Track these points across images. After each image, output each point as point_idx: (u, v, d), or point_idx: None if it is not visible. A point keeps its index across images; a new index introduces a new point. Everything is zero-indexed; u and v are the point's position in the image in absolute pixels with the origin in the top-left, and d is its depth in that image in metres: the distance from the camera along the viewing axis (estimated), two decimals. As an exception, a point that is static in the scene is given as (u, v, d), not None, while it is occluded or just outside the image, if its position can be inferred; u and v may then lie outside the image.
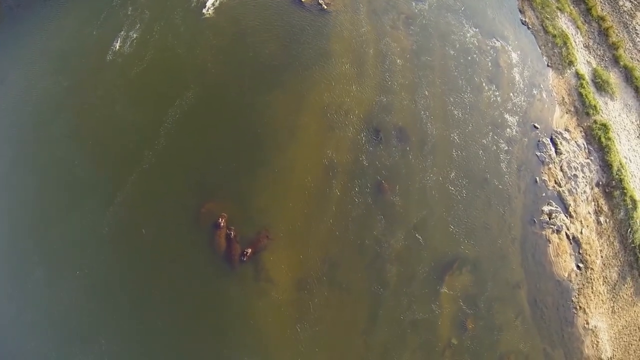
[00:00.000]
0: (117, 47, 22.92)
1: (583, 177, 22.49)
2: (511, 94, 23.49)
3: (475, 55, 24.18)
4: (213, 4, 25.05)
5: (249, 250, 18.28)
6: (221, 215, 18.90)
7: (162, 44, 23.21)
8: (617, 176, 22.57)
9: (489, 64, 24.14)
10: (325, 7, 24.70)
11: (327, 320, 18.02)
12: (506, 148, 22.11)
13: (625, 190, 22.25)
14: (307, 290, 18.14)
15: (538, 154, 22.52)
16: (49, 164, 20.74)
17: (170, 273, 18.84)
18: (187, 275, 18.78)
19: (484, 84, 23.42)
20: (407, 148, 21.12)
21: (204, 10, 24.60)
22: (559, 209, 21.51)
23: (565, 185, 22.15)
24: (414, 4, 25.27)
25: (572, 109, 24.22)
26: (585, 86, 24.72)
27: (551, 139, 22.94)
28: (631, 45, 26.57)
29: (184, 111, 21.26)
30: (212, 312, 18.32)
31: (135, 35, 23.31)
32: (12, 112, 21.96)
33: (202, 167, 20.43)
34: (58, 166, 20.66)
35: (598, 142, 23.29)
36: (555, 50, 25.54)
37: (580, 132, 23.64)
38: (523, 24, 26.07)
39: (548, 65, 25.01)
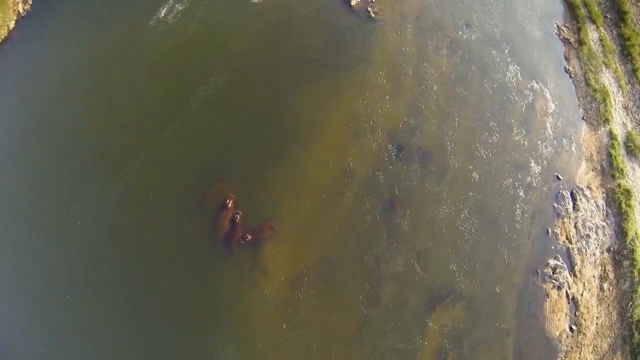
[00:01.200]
0: (162, 15, 23.18)
1: (596, 238, 22.05)
2: (540, 140, 23.14)
3: (511, 95, 23.88)
4: (262, -9, 25.19)
5: (249, 237, 18.33)
6: (230, 196, 18.98)
7: (205, 20, 23.41)
8: (630, 246, 22.08)
9: (524, 106, 23.83)
10: (373, 15, 24.65)
11: (312, 324, 17.97)
12: (525, 193, 21.79)
13: (635, 262, 21.73)
14: (300, 290, 18.12)
15: (555, 205, 22.15)
16: (74, 120, 21.10)
17: (169, 244, 18.99)
18: (184, 249, 18.92)
19: (514, 126, 23.11)
20: (427, 174, 20.97)
21: (252, -4, 24.78)
22: (565, 266, 21.12)
23: (576, 243, 21.75)
24: (460, 31, 25.08)
25: (599, 168, 23.78)
26: (616, 147, 24.25)
27: (571, 194, 22.55)
28: (671, 117, 26.05)
29: (215, 90, 21.44)
30: (201, 292, 18.40)
31: (181, 8, 23.54)
32: (46, 66, 22.30)
33: (221, 147, 20.58)
34: (83, 123, 20.99)
35: (618, 206, 22.81)
36: (593, 105, 25.11)
37: (602, 192, 23.20)
38: (566, 71, 25.67)
39: (583, 118, 24.60)
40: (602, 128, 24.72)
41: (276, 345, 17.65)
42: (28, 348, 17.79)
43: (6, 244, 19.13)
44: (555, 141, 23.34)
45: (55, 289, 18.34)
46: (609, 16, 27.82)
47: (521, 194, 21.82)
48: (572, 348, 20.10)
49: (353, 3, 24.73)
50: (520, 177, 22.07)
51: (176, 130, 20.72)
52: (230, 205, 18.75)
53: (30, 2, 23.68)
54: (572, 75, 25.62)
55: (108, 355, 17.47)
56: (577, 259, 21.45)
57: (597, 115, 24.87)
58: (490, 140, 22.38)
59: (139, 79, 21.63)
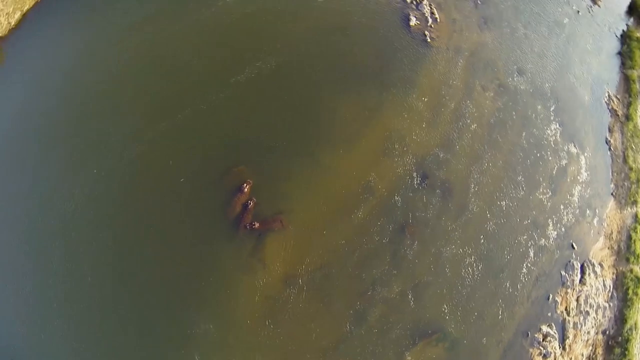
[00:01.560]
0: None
1: (594, 317, 21.57)
2: (564, 205, 22.73)
3: (546, 153, 23.51)
4: (328, -9, 25.29)
5: (257, 224, 18.43)
6: (248, 181, 19.10)
7: (267, 7, 23.61)
8: (626, 334, 21.54)
9: (556, 168, 23.43)
10: (429, 40, 24.54)
11: (294, 327, 18.00)
12: (535, 253, 21.42)
13: (626, 352, 21.18)
14: (291, 290, 18.16)
15: (563, 273, 21.74)
16: (116, 75, 21.64)
17: (177, 210, 19.28)
18: (191, 218, 19.17)
19: (542, 185, 22.74)
20: (444, 209, 20.78)
21: (318, -6, 24.90)
22: (556, 336, 20.71)
23: (573, 317, 21.31)
24: (511, 77, 24.78)
25: (615, 247, 23.26)
26: (638, 230, 23.72)
27: (582, 266, 22.09)
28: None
29: (259, 74, 21.63)
30: (197, 264, 18.62)
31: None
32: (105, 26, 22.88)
33: (251, 131, 20.76)
34: (125, 80, 21.54)
35: (625, 291, 22.28)
36: (626, 184, 24.57)
37: (613, 273, 22.68)
38: (607, 142, 25.17)
39: (612, 194, 24.08)
40: (629, 209, 24.17)
41: (254, 338, 17.73)
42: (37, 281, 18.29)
43: (30, 181, 19.79)
44: (578, 210, 22.91)
45: (61, 229, 18.82)
46: (663, 99, 27.23)
47: (531, 253, 21.47)
48: (543, 421, 19.70)
49: (412, 24, 24.67)
50: (535, 236, 21.72)
51: (211, 104, 20.97)
52: (246, 189, 18.87)
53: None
54: (612, 149, 25.11)
55: (89, 301, 17.84)
56: (571, 332, 21.02)
57: (627, 194, 24.31)
58: (514, 193, 22.06)
59: (189, 47, 21.98)
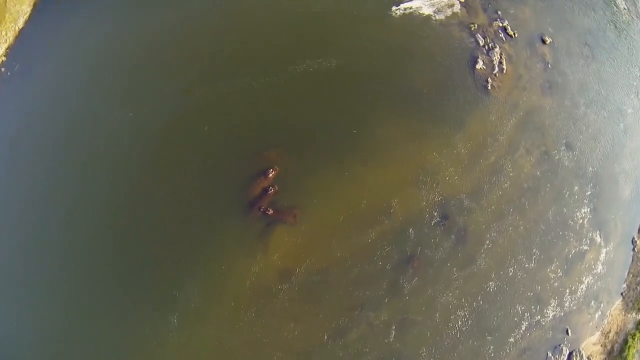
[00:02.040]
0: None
1: (567, 409, 21.06)
2: (570, 290, 22.20)
3: (569, 234, 22.98)
4: (405, 10, 25.33)
5: (271, 211, 18.53)
6: (275, 168, 19.22)
7: (344, 9, 23.67)
8: None
9: (574, 251, 22.89)
10: (490, 88, 24.30)
11: (274, 321, 18.09)
12: (528, 326, 21.00)
13: None
14: (283, 285, 18.26)
15: (549, 354, 21.24)
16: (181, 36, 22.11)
17: (198, 174, 19.58)
18: (209, 186, 19.42)
19: (555, 263, 22.25)
20: (453, 255, 20.55)
21: (394, 8, 24.93)
22: (525, 414, 20.30)
23: (546, 401, 20.83)
24: (558, 148, 24.31)
25: (609, 347, 22.63)
26: (636, 339, 22.99)
27: (570, 353, 21.53)
28: None
29: (317, 70, 21.74)
30: (201, 230, 18.90)
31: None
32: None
33: (293, 121, 20.93)
34: (187, 44, 22.00)
35: (604, 394, 21.71)
36: (639, 288, 23.93)
37: (598, 371, 22.11)
38: (632, 242, 24.51)
39: (622, 294, 23.42)
40: (633, 314, 23.47)
41: (233, 320, 17.85)
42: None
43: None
44: (584, 298, 22.35)
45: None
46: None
47: (524, 325, 21.05)
48: None
49: (478, 67, 24.48)
50: (533, 310, 21.29)
51: (263, 84, 21.21)
52: (271, 175, 19.00)
53: None
54: (636, 250, 24.42)
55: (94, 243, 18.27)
56: (540, 416, 20.53)
57: (636, 298, 23.62)
58: (525, 262, 21.68)
59: (262, 24, 22.25)
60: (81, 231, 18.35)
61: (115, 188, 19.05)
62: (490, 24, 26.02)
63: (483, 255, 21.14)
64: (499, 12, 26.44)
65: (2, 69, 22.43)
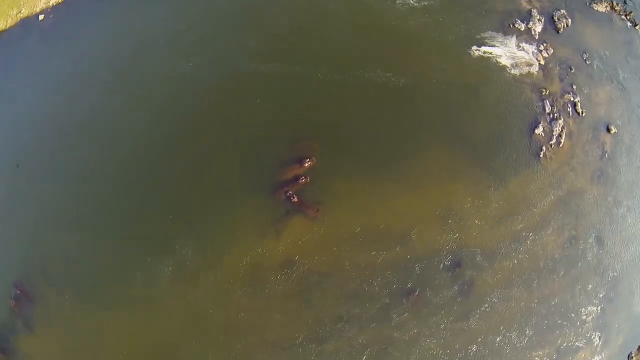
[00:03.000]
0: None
1: None
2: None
3: (568, 326, 22.15)
4: (484, 53, 24.85)
5: (295, 199, 18.44)
6: (312, 159, 19.13)
7: (425, 34, 23.44)
8: None
9: (567, 344, 22.02)
10: (541, 156, 23.74)
11: (262, 306, 18.03)
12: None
13: None
14: (282, 274, 18.14)
15: None
16: None
17: (238, 140, 19.60)
18: (244, 154, 19.44)
19: (545, 350, 21.49)
20: (450, 304, 20.17)
21: (474, 48, 24.51)
22: None
23: None
24: (587, 240, 23.52)
25: None
26: None
27: None
28: None
29: (384, 83, 21.41)
30: (220, 193, 18.89)
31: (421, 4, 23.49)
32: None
33: (343, 120, 20.73)
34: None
35: None
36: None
37: None
38: (628, 357, 23.74)
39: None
40: None
41: (221, 291, 17.82)
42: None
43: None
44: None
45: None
46: None
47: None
48: None
49: (537, 132, 23.95)
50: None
51: (326, 80, 21.00)
52: (306, 165, 18.94)
53: None
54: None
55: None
56: None
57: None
58: (515, 339, 21.07)
59: (344, 23, 22.15)
60: (117, 159, 18.57)
61: (157, 128, 19.27)
62: (562, 95, 25.45)
63: (478, 316, 20.68)
64: (574, 87, 25.84)
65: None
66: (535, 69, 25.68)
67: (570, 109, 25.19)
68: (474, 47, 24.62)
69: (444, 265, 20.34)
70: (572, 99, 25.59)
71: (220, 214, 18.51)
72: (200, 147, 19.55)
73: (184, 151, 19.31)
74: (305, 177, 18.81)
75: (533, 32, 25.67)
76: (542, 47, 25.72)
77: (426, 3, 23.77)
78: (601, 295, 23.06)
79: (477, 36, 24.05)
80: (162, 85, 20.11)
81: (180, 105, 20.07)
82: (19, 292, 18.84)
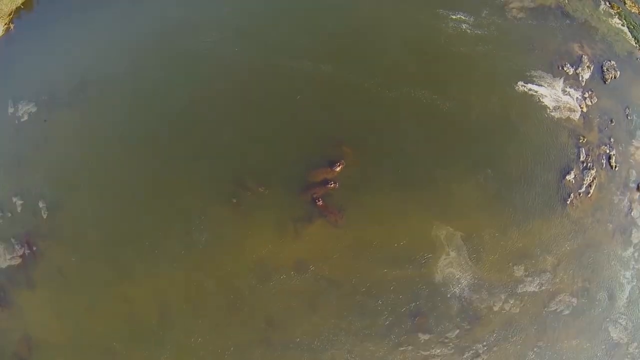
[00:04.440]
0: (464, 24, 23.15)
1: None
2: None
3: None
4: (529, 90, 24.51)
5: (321, 202, 18.47)
6: (343, 163, 19.15)
7: (481, 61, 23.33)
8: None
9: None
10: (569, 203, 23.48)
11: (264, 301, 18.04)
12: None
13: None
14: (293, 274, 18.13)
15: None
16: None
17: (272, 134, 19.70)
18: (275, 149, 19.50)
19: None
20: (450, 334, 19.91)
21: (520, 84, 24.28)
22: None
23: None
24: (598, 296, 22.98)
25: None
26: None
27: None
28: None
29: (431, 105, 21.30)
30: (245, 186, 18.95)
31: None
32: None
33: (383, 134, 20.66)
34: None
35: None
36: None
37: None
38: None
39: None
40: None
41: (224, 280, 17.93)
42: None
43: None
44: None
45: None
46: None
47: None
48: None
49: (567, 178, 23.69)
50: None
51: (372, 90, 20.95)
52: (337, 169, 18.95)
53: None
54: None
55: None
56: None
57: None
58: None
59: (400, 38, 22.19)
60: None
61: (196, 104, 19.49)
62: (599, 146, 25.14)
63: (472, 352, 20.49)
64: (612, 140, 25.51)
65: None
66: (576, 115, 25.39)
67: (604, 161, 24.88)
68: (520, 83, 24.42)
69: (450, 293, 20.20)
70: (607, 151, 25.27)
71: (241, 204, 18.56)
72: (238, 130, 19.63)
73: (224, 128, 19.54)
74: (335, 182, 18.82)
75: (580, 78, 25.39)
76: (587, 95, 25.44)
77: (479, 32, 23.65)
78: (599, 354, 22.79)
79: (526, 73, 23.86)
80: (211, 70, 20.32)
81: (237, 89, 20.29)
82: (26, 246, 18.95)
